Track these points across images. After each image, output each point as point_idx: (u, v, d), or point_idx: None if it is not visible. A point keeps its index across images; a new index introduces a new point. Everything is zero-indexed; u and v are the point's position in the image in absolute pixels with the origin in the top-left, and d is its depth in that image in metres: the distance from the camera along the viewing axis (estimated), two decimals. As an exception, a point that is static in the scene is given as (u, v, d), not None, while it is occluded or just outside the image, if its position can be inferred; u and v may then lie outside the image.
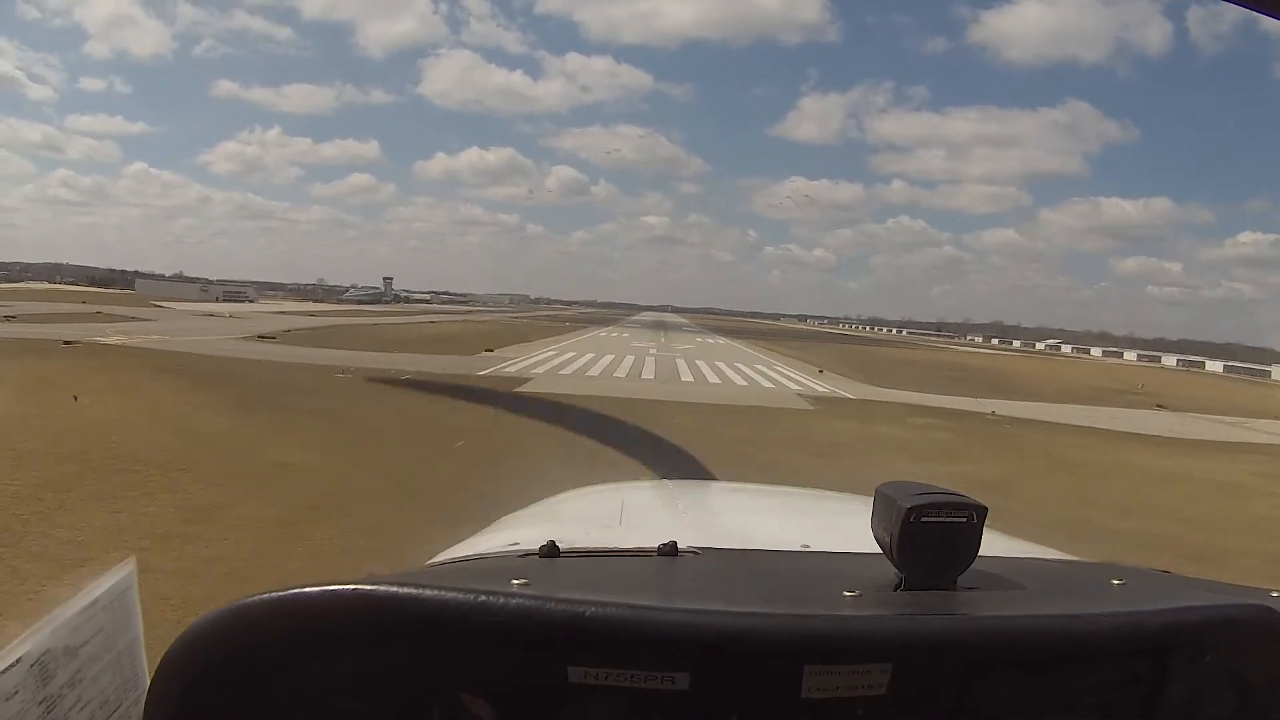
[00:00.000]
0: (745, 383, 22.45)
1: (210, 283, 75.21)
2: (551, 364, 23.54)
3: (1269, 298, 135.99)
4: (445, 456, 9.16)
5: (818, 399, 18.84)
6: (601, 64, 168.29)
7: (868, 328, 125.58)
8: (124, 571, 0.70)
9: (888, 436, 13.42)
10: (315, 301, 69.41)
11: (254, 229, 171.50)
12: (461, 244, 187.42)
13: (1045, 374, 36.74)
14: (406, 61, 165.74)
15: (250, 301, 62.34)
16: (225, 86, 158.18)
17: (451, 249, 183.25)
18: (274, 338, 24.32)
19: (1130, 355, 70.95)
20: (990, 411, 18.57)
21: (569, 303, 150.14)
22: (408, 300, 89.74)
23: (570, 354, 27.07)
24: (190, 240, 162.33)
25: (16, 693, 0.56)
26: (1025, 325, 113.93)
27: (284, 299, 71.40)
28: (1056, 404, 21.80)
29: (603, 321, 69.35)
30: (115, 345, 19.42)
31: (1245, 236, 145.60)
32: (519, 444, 10.07)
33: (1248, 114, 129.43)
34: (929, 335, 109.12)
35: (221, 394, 12.69)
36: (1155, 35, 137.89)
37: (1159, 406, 23.26)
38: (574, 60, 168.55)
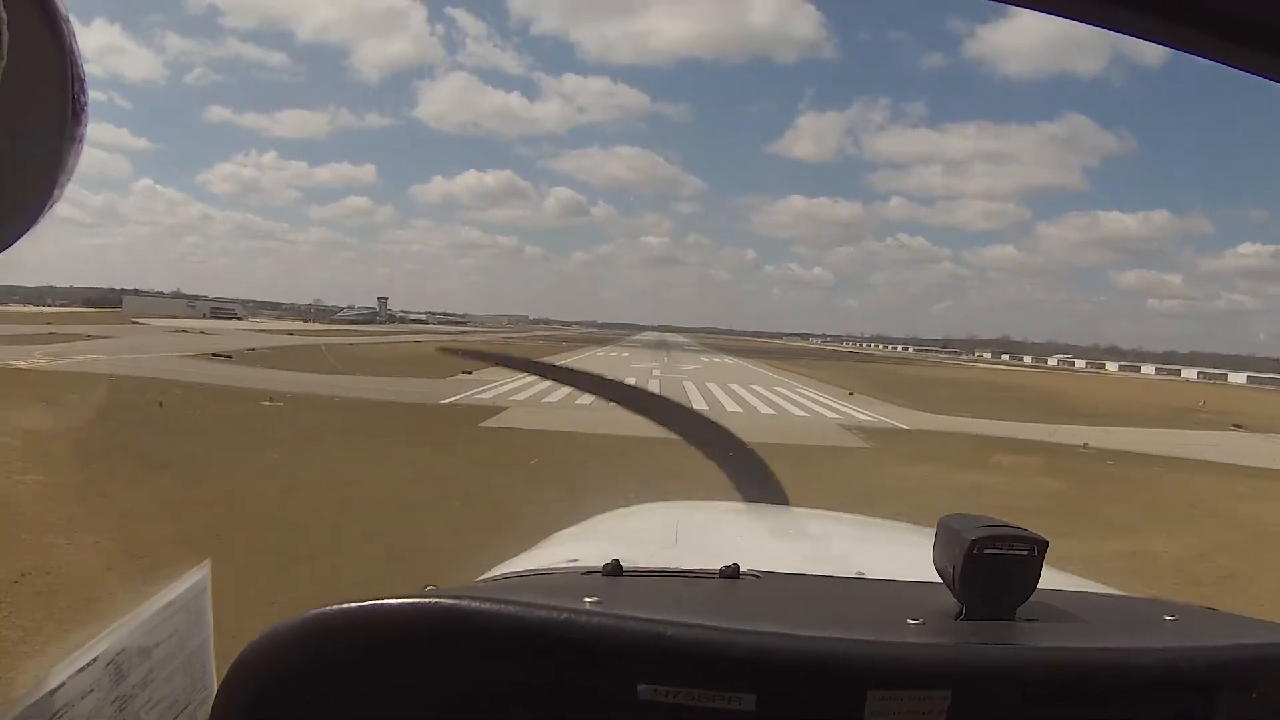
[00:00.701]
0: (772, 410, 19.09)
1: (201, 300, 74.05)
2: (536, 389, 20.26)
3: (1271, 308, 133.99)
4: (295, 566, 5.43)
5: (866, 431, 15.48)
6: (598, 84, 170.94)
7: (872, 345, 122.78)
8: (199, 575, 0.70)
9: (983, 488, 9.92)
10: (307, 321, 68.22)
11: (254, 249, 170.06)
12: (460, 266, 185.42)
13: (1087, 392, 33.64)
14: (402, 84, 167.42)
15: (239, 319, 61.01)
16: (218, 112, 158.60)
17: (450, 271, 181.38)
18: (229, 356, 21.97)
19: (1148, 369, 67.74)
20: (1082, 444, 15.16)
21: (568, 323, 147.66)
22: (402, 321, 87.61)
23: None
24: (194, 259, 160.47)
25: (92, 690, 0.57)
26: (1032, 340, 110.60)
27: (279, 318, 70.02)
28: (1130, 428, 18.71)
29: (601, 341, 66.29)
30: (23, 369, 16.44)
31: (1245, 248, 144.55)
32: (433, 517, 6.83)
33: (1246, 122, 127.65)
34: (936, 352, 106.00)
35: (70, 429, 9.60)
36: (1151, 46, 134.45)
37: (1236, 427, 20.44)
38: (571, 81, 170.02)
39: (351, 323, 70.69)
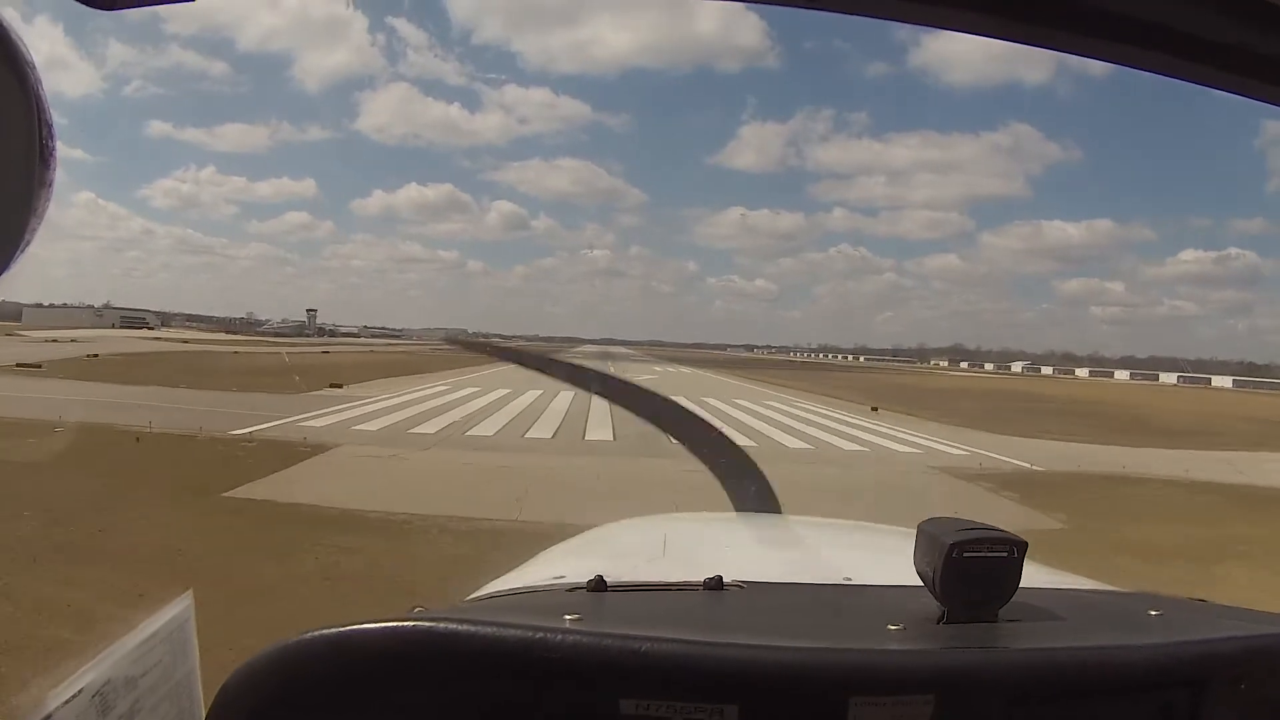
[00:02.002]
0: (802, 443, 13.12)
1: (112, 310, 72.11)
2: (420, 408, 14.80)
3: (1212, 314, 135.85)
4: None
5: (992, 478, 9.99)
6: (540, 95, 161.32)
7: (820, 355, 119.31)
8: (182, 605, 0.71)
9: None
10: (231, 333, 66.20)
11: (195, 264, 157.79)
12: (402, 281, 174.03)
13: (1126, 400, 28.90)
14: (343, 95, 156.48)
15: (150, 328, 60.74)
16: (158, 127, 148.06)
17: (393, 286, 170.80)
18: (38, 366, 18.94)
19: (1122, 374, 64.87)
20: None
21: (509, 337, 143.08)
22: (332, 334, 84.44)
23: (468, 390, 18.72)
24: (137, 274, 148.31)
25: None
26: (985, 348, 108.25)
27: (207, 330, 69.58)
28: (1248, 451, 14.16)
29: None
30: None
31: (1187, 254, 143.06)
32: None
33: (1190, 130, 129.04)
34: (891, 361, 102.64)
35: None
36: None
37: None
38: (512, 92, 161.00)
39: (278, 335, 69.86)
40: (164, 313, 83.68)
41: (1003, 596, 0.76)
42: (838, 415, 17.54)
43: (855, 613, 0.83)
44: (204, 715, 0.65)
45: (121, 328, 55.84)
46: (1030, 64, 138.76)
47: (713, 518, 1.96)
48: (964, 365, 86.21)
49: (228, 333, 64.53)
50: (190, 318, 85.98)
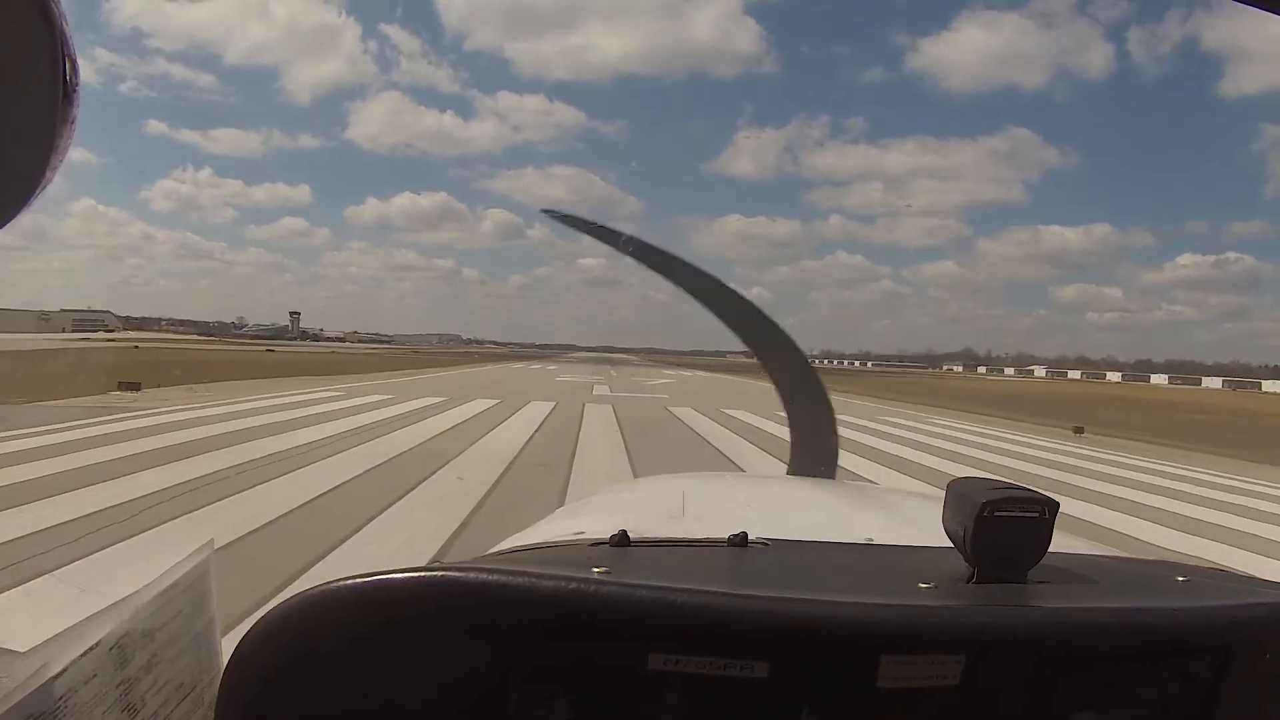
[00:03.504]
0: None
1: (64, 313, 69.22)
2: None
3: (1210, 318, 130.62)
4: None
5: None
6: (534, 102, 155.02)
7: (826, 361, 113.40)
8: (202, 556, 0.69)
9: None
10: (204, 335, 65.35)
11: (196, 269, 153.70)
12: (399, 289, 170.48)
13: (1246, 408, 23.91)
14: (334, 104, 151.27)
15: (109, 331, 58.45)
16: (155, 126, 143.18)
17: (389, 293, 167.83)
18: None
19: (1159, 379, 58.36)
20: None
21: (504, 344, 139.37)
22: (315, 338, 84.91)
23: (353, 403, 12.96)
24: (136, 281, 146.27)
25: (95, 675, 0.56)
26: (995, 354, 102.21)
27: (172, 331, 68.80)
28: None
29: (528, 358, 55.48)
30: None
31: (1185, 259, 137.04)
32: None
33: (1188, 134, 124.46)
34: (904, 366, 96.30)
35: None
36: (1096, 58, 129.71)
37: None
38: (506, 99, 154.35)
39: (257, 338, 69.55)
40: (142, 318, 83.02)
41: (1033, 558, 0.75)
42: (1041, 444, 11.34)
43: (883, 571, 0.80)
44: (224, 666, 0.63)
45: (72, 331, 52.32)
46: (1028, 68, 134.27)
47: (730, 477, 2.00)
48: (982, 370, 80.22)
49: (200, 335, 63.34)
50: (176, 322, 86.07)
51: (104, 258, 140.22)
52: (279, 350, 34.27)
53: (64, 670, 0.53)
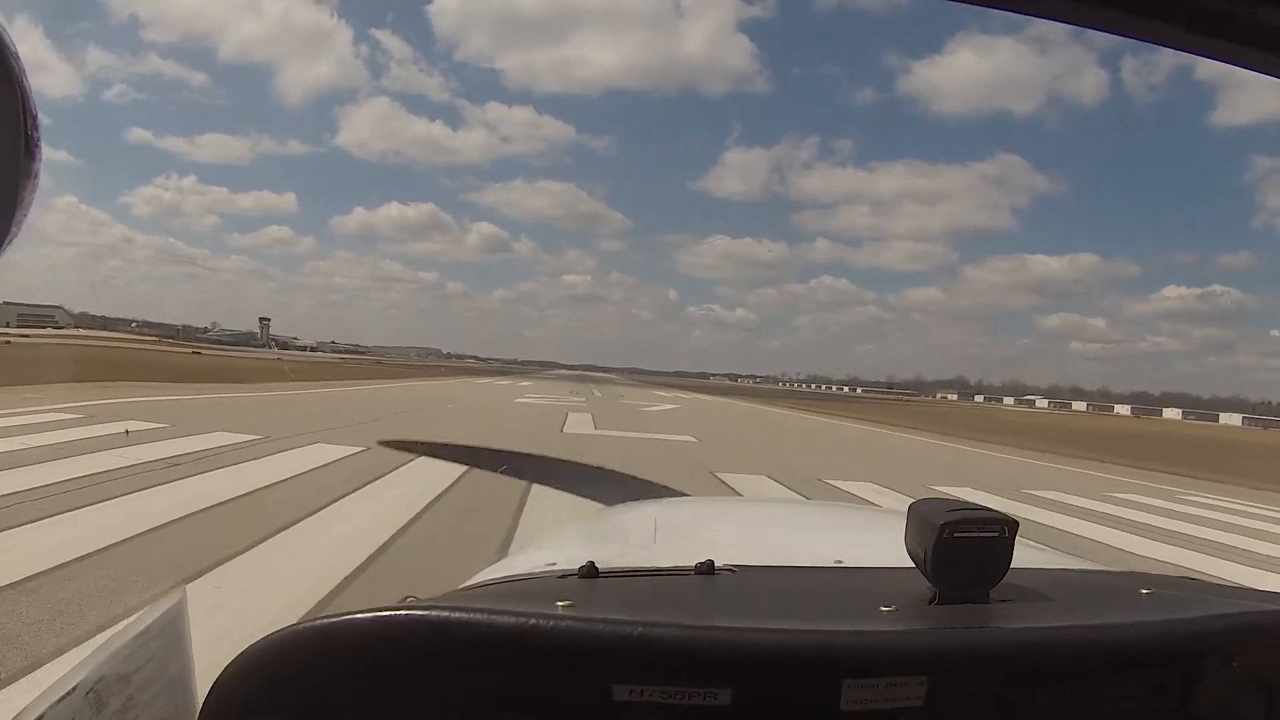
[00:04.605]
0: None
1: (5, 306, 65.61)
2: None
3: (1194, 350, 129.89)
4: None
5: None
6: (522, 114, 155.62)
7: (811, 385, 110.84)
8: (175, 599, 0.69)
9: None
10: (166, 339, 61.86)
11: (177, 274, 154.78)
12: (383, 300, 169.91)
13: None
14: (325, 108, 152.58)
15: (59, 328, 56.80)
16: (138, 134, 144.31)
17: (374, 304, 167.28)
18: None
19: (1172, 413, 55.79)
20: None
21: (485, 359, 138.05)
22: (284, 346, 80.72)
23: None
24: (116, 283, 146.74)
25: (73, 719, 0.56)
26: (988, 382, 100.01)
27: (130, 332, 65.96)
28: None
29: (507, 373, 50.68)
30: None
31: (1170, 290, 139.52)
32: None
33: (1178, 164, 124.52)
34: (894, 393, 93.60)
35: None
36: (1090, 85, 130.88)
37: None
38: (495, 110, 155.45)
39: (218, 343, 67.23)
40: (109, 318, 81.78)
41: (994, 577, 0.75)
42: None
43: (847, 595, 0.81)
44: (199, 709, 0.63)
45: (19, 326, 49.36)
46: (1020, 93, 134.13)
47: (705, 502, 1.96)
48: (979, 399, 77.61)
49: (160, 338, 60.15)
50: (147, 324, 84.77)
51: (85, 256, 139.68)
52: (223, 355, 31.75)
53: (41, 716, 0.53)
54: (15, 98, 0.35)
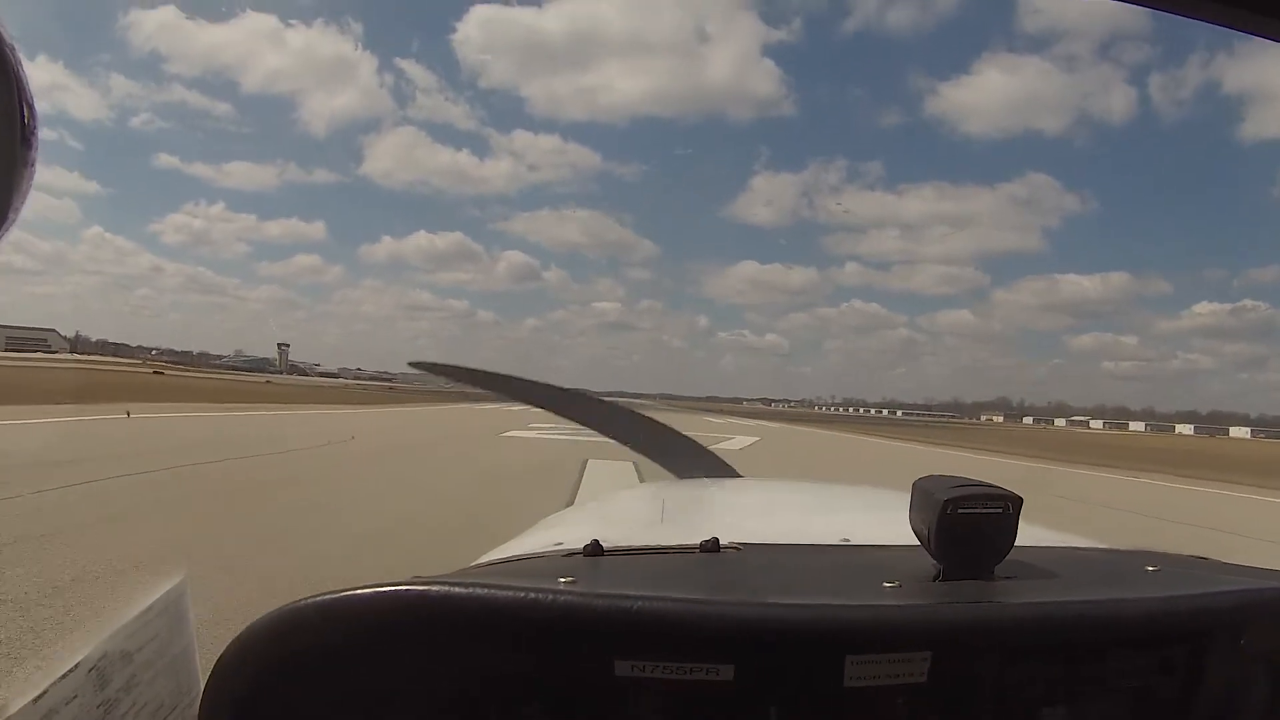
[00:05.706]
0: None
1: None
2: None
3: (1225, 367, 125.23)
4: None
5: None
6: (549, 142, 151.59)
7: (848, 409, 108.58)
8: (177, 579, 0.70)
9: None
10: (179, 365, 63.06)
11: (207, 304, 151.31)
12: (412, 329, 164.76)
13: None
14: (350, 138, 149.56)
15: (53, 351, 56.28)
16: (166, 159, 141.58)
17: (402, 334, 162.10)
18: None
19: (1240, 432, 52.84)
20: None
21: None
22: (304, 372, 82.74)
23: None
24: (146, 313, 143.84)
25: (76, 696, 0.57)
26: (1035, 404, 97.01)
27: (144, 360, 65.59)
28: None
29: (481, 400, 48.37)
30: None
31: (1202, 307, 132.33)
32: None
33: (1207, 179, 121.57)
34: (948, 416, 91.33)
35: None
36: (1118, 102, 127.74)
37: None
38: (521, 138, 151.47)
39: (232, 368, 68.40)
40: (118, 344, 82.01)
41: (998, 553, 0.74)
42: None
43: (851, 571, 0.81)
44: (202, 687, 0.64)
45: (7, 350, 50.63)
46: (1048, 112, 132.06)
47: (713, 483, 1.94)
48: (1028, 420, 75.05)
49: (173, 364, 61.45)
50: (167, 352, 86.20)
51: (111, 285, 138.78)
52: (203, 378, 32.19)
53: (44, 692, 0.53)
54: (11, 87, 0.35)
